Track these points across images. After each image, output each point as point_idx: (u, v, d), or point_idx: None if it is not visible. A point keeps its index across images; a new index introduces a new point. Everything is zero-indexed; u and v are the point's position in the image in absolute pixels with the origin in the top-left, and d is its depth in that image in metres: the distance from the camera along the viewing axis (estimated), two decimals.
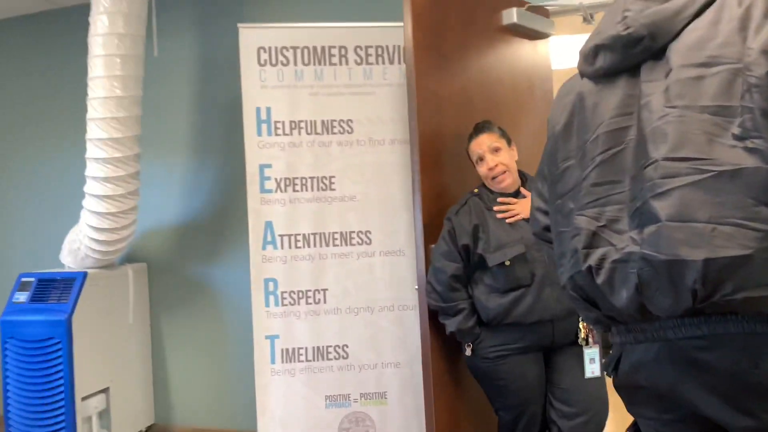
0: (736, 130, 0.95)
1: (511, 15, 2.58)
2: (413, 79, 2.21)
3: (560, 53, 5.82)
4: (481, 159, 2.13)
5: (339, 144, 2.80)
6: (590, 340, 2.14)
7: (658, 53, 1.07)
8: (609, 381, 1.20)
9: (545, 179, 1.28)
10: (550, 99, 2.82)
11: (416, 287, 2.28)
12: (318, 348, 2.72)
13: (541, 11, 2.77)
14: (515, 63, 2.67)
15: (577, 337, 2.14)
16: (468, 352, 2.11)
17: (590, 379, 2.11)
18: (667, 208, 0.97)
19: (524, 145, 2.38)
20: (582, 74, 1.20)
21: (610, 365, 1.16)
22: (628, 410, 1.25)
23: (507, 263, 2.02)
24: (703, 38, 1.01)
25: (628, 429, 1.26)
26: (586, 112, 1.15)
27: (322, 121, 2.79)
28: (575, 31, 5.11)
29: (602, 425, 2.12)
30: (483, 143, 2.13)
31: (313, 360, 2.71)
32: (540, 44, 2.80)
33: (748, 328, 0.94)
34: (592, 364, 2.13)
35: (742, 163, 0.93)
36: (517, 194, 2.16)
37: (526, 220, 1.92)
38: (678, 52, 1.03)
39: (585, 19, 2.94)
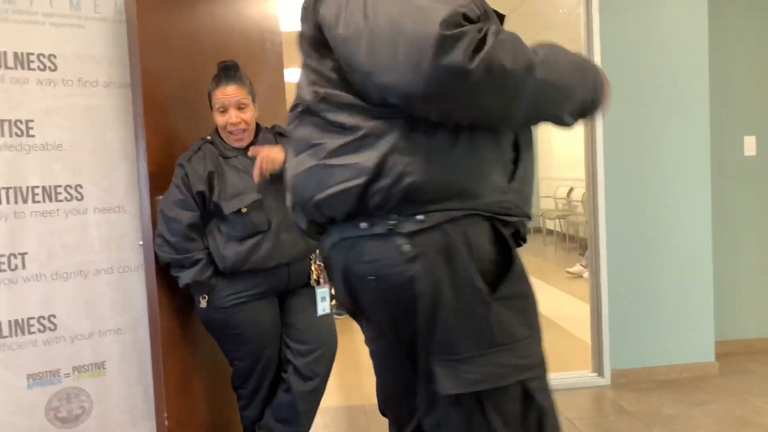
0: None
1: None
2: (134, 14, 1.99)
3: (290, 15, 5.87)
4: (224, 110, 2.07)
5: (39, 82, 2.38)
6: (321, 280, 2.26)
7: None
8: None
9: None
10: (279, 51, 2.83)
11: (141, 243, 2.10)
12: (16, 321, 2.31)
13: None
14: (246, 16, 2.61)
15: (310, 278, 2.25)
16: (203, 304, 2.05)
17: (322, 316, 2.24)
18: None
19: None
20: None
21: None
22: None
23: (244, 210, 2.02)
24: None
25: None
26: None
27: (15, 54, 2.34)
28: None
29: (333, 357, 2.27)
30: (231, 96, 2.06)
31: (10, 336, 2.30)
32: (269, 2, 2.78)
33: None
34: (324, 302, 2.26)
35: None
36: (246, 150, 2.13)
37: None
38: None
39: None
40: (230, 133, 2.09)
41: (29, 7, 2.36)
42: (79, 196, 2.44)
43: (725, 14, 3.48)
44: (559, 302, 5.26)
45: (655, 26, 3.13)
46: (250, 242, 2.04)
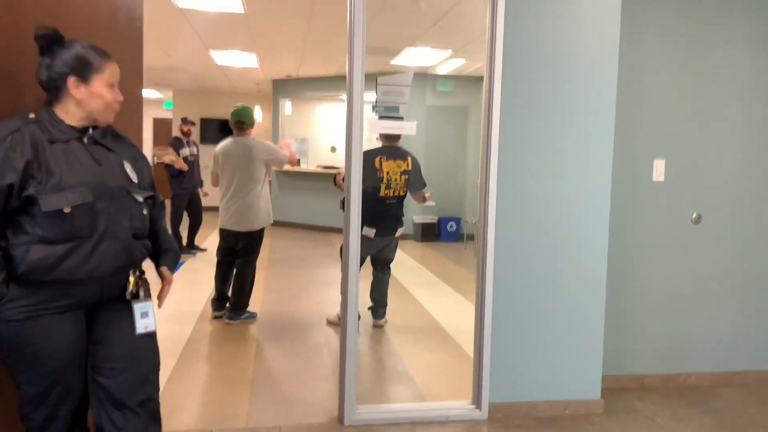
0: None
1: None
2: None
3: None
4: (111, 86, 1.87)
5: None
6: (141, 293, 1.97)
7: None
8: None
9: None
10: (138, 27, 2.50)
11: None
12: None
13: None
14: None
15: (125, 291, 1.94)
16: None
17: (142, 335, 1.95)
18: None
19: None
20: None
21: None
22: None
23: (66, 210, 1.71)
24: None
25: None
26: None
27: None
28: None
29: (155, 379, 2.01)
30: (116, 73, 1.89)
31: None
32: None
33: None
34: (145, 318, 1.97)
35: None
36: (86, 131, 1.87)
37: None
38: None
39: None
40: (112, 111, 1.89)
41: None
42: None
43: (639, 33, 3.33)
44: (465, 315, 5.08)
45: (564, 30, 2.93)
46: (62, 247, 1.73)
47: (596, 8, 2.95)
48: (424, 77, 9.46)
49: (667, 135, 3.40)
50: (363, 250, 4.41)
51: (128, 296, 1.94)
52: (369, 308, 4.70)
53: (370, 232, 4.27)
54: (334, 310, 4.86)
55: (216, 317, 4.84)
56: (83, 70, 1.81)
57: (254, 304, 5.14)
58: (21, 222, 1.73)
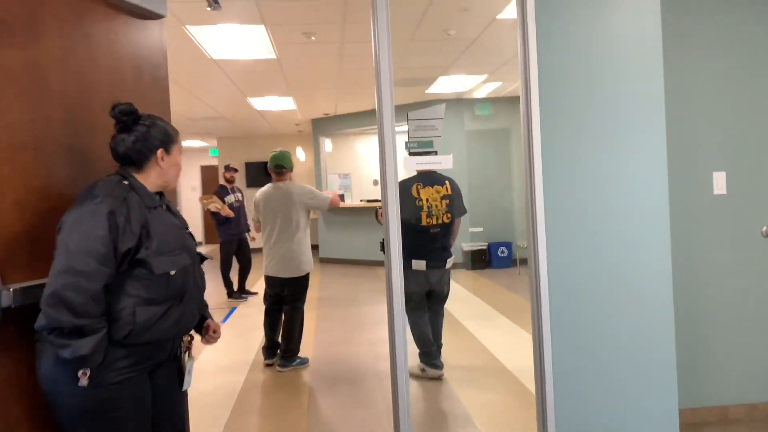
0: None
1: None
2: None
3: (221, 42, 5.59)
4: (180, 154, 2.02)
5: None
6: (190, 353, 2.05)
7: None
8: None
9: None
10: (164, 86, 2.50)
11: None
12: None
13: None
14: (117, 42, 2.27)
15: (178, 350, 2.02)
16: (84, 381, 1.67)
17: (184, 391, 2.06)
18: None
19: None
20: None
21: None
22: None
23: (172, 273, 1.83)
24: None
25: None
26: None
27: None
28: (245, 20, 4.93)
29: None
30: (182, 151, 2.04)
31: None
32: (152, 24, 2.45)
33: None
34: (189, 375, 2.05)
35: None
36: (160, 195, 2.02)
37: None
38: None
39: (211, 6, 2.69)
40: (174, 177, 2.01)
41: None
42: None
43: (686, 43, 3.14)
44: (524, 349, 4.85)
45: (603, 45, 2.78)
46: (162, 308, 1.81)
47: (636, 22, 2.79)
48: (460, 103, 9.38)
49: (725, 147, 3.17)
50: (416, 286, 4.19)
51: (182, 355, 2.01)
52: (421, 352, 4.29)
53: (421, 264, 4.06)
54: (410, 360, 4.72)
55: (268, 365, 4.77)
56: (168, 143, 1.95)
57: (305, 349, 5.06)
58: (124, 285, 1.76)
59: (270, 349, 4.81)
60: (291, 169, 4.70)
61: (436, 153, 2.97)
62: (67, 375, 1.68)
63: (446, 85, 8.12)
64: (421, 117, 2.77)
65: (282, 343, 4.69)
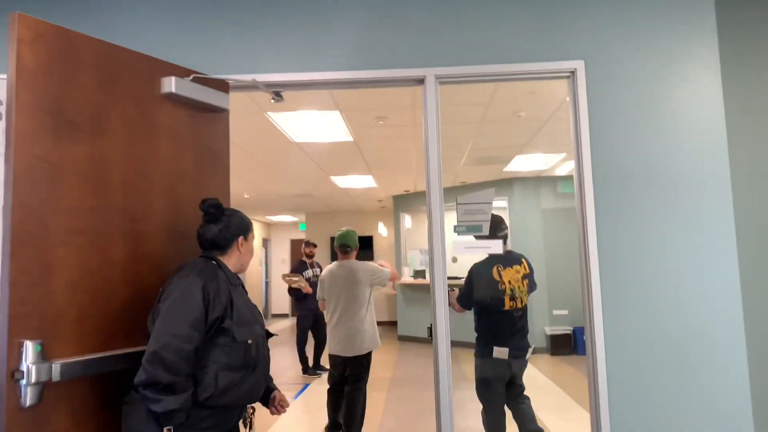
0: None
1: (170, 84, 2.40)
2: (12, 144, 1.88)
3: (301, 127, 5.90)
4: (252, 247, 2.28)
5: None
6: (252, 424, 2.27)
7: None
8: None
9: None
10: (225, 173, 2.66)
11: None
12: None
13: (215, 83, 2.64)
14: (179, 134, 2.47)
15: (243, 419, 2.22)
16: None
17: None
18: None
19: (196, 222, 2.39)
20: None
21: None
22: None
23: (250, 342, 2.07)
24: None
25: None
26: None
27: None
28: (321, 107, 5.22)
29: None
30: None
31: None
32: (214, 117, 2.65)
33: None
34: None
35: None
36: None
37: None
38: None
39: (273, 99, 2.88)
40: (248, 261, 2.29)
41: None
42: None
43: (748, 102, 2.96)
44: None
45: (661, 118, 2.68)
46: (239, 374, 2.04)
47: (697, 98, 2.69)
48: (537, 181, 9.24)
49: None
50: (495, 375, 3.82)
51: (247, 423, 2.23)
52: None
53: (503, 352, 3.76)
54: None
55: None
56: (246, 231, 2.25)
57: (369, 431, 4.94)
58: (209, 352, 1.98)
59: (332, 429, 4.73)
60: (356, 248, 4.78)
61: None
62: (155, 430, 1.88)
63: (524, 163, 8.06)
64: (470, 201, 2.76)
65: (344, 426, 4.61)
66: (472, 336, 3.76)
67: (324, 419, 5.42)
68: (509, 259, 3.97)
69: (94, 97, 2.15)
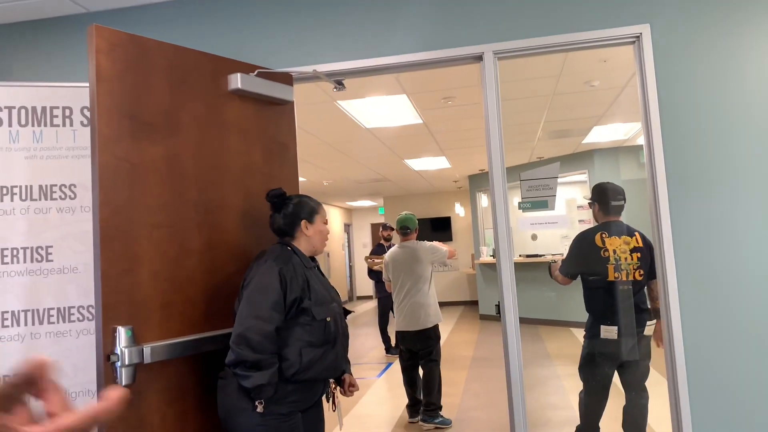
0: None
1: (236, 80, 2.52)
2: (96, 147, 2.06)
3: (371, 113, 5.96)
4: (325, 223, 2.37)
5: (59, 210, 2.57)
6: (336, 397, 2.40)
7: None
8: None
9: None
10: (293, 164, 2.77)
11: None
12: None
13: (279, 77, 2.75)
14: (247, 128, 2.60)
15: (326, 393, 2.36)
16: (260, 409, 2.06)
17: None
18: None
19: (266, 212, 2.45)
20: None
21: None
22: None
23: (328, 319, 2.19)
24: None
25: None
26: None
27: (40, 186, 2.56)
28: (388, 92, 5.26)
29: None
30: (325, 213, 2.39)
31: None
32: (280, 110, 2.76)
33: None
34: (340, 415, 2.41)
35: None
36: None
37: None
38: None
39: (335, 87, 2.96)
40: (326, 242, 2.38)
41: (55, 144, 2.59)
42: (90, 317, 2.54)
43: None
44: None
45: (735, 89, 2.52)
46: (321, 350, 2.17)
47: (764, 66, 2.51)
48: (616, 152, 8.85)
49: None
50: (602, 359, 3.43)
51: (328, 399, 2.36)
52: None
53: (612, 331, 3.39)
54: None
55: (411, 422, 4.80)
56: (311, 215, 2.33)
57: (449, 410, 5.00)
58: (292, 331, 2.14)
59: (412, 407, 4.85)
60: (416, 230, 4.95)
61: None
62: (247, 404, 2.04)
63: (603, 134, 7.75)
64: (534, 177, 2.72)
65: (423, 399, 4.72)
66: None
67: (405, 398, 5.54)
68: (618, 228, 3.58)
69: (166, 98, 2.30)
